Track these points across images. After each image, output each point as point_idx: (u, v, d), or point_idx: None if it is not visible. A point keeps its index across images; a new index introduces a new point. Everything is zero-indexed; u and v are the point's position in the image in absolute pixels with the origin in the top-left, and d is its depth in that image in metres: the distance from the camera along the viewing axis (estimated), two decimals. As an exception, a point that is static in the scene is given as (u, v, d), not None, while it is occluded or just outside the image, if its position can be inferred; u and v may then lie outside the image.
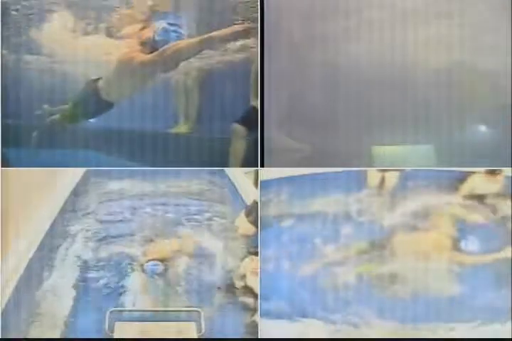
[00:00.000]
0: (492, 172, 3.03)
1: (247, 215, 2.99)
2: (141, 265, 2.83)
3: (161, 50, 2.94)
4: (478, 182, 3.10)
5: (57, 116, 3.22)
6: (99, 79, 3.07)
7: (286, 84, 2.95)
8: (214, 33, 2.93)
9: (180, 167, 3.23)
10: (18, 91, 3.14)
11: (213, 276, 2.74)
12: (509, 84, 2.86)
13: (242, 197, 3.52)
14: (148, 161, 3.17)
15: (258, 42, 2.89)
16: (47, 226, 2.95)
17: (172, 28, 3.02)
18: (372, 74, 2.90)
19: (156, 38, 3.00)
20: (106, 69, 3.07)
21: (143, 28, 3.09)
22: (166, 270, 2.80)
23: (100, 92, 3.06)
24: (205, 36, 2.93)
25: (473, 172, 3.10)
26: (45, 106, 3.15)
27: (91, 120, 3.33)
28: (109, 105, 3.11)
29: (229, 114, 3.20)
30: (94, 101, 3.09)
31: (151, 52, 2.97)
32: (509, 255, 2.69)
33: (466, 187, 3.13)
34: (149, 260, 2.86)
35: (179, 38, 3.02)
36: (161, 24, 3.03)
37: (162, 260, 2.86)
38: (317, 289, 2.52)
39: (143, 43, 3.02)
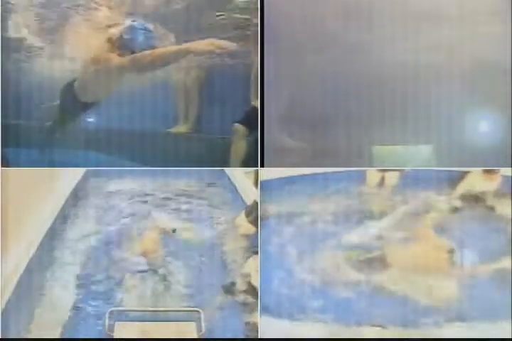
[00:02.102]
0: (489, 171, 3.03)
1: (247, 215, 2.99)
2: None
3: (138, 55, 2.86)
4: (476, 180, 3.11)
5: (50, 123, 3.24)
6: (74, 81, 3.06)
7: (286, 84, 2.95)
8: (191, 45, 2.80)
9: (180, 167, 3.23)
10: (18, 92, 3.14)
11: (214, 276, 2.74)
12: (509, 83, 2.87)
13: (242, 197, 3.51)
14: (148, 161, 3.17)
15: (258, 42, 2.89)
16: (47, 227, 2.94)
17: (140, 26, 2.93)
18: (372, 75, 2.91)
19: (124, 36, 2.91)
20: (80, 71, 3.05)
21: (109, 26, 3.02)
22: (157, 269, 2.79)
23: (77, 95, 3.04)
24: (182, 47, 2.83)
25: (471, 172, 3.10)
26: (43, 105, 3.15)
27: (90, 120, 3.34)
28: (86, 106, 3.10)
29: (229, 114, 3.20)
30: (72, 104, 3.07)
31: (121, 51, 2.89)
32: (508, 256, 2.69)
33: (464, 186, 3.13)
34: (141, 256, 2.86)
35: (148, 37, 2.95)
36: (128, 22, 2.95)
37: (158, 258, 2.87)
38: (317, 289, 2.52)
39: (110, 40, 2.93)
